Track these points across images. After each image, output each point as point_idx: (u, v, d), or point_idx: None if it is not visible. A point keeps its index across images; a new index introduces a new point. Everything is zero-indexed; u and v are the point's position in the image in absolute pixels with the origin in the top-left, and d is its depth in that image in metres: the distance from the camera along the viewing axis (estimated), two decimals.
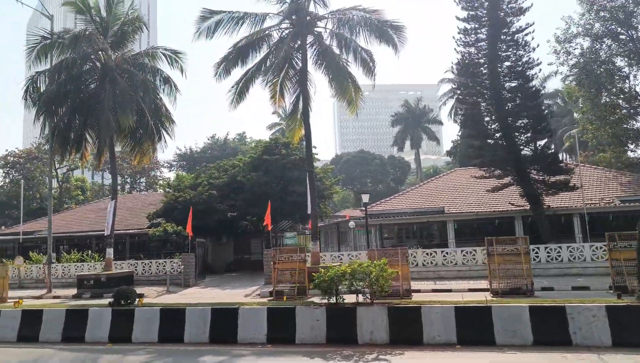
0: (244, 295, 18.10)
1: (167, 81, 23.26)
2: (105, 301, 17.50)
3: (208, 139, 73.81)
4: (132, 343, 10.12)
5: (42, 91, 22.77)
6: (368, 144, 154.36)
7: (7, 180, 56.78)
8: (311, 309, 9.82)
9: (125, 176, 57.91)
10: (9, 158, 53.25)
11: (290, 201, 29.75)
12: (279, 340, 9.79)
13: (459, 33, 24.37)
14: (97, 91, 23.89)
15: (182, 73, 24.11)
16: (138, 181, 58.29)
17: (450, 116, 60.41)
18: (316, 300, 11.96)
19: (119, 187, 62.39)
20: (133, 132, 24.25)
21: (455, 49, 24.64)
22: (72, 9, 23.28)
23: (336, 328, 9.53)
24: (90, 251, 27.11)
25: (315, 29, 20.05)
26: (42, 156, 56.17)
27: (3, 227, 43.90)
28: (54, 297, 20.64)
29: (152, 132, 23.65)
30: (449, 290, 15.79)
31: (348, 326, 9.47)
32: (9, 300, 19.06)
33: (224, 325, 9.70)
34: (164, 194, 32.26)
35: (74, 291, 22.07)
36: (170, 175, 64.70)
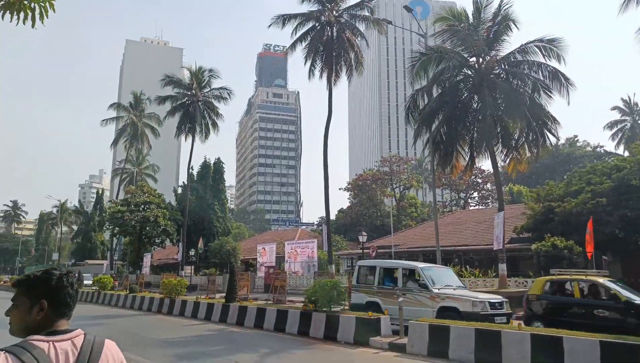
0: None
1: (554, 75, 20.47)
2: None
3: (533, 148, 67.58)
4: None
5: (421, 107, 23.49)
6: None
7: (354, 201, 64.85)
8: None
9: (459, 191, 57.99)
10: (358, 181, 60.55)
11: None
12: None
13: None
14: (469, 100, 23.23)
15: (559, 61, 21.03)
16: (471, 196, 57.43)
17: None
18: None
19: (453, 202, 63.35)
20: (507, 138, 22.55)
21: None
22: (442, 23, 23.35)
23: None
24: (464, 266, 26.42)
25: None
26: (383, 177, 61.90)
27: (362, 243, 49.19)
28: None
29: (536, 135, 21.20)
30: None
31: None
32: None
33: None
34: (526, 207, 29.29)
35: None
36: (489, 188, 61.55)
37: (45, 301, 1.75)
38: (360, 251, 41.61)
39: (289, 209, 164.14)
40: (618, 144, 65.93)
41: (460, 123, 22.94)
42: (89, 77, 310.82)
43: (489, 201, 54.99)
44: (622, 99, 66.88)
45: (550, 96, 20.34)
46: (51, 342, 1.68)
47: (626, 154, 63.22)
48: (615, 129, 66.75)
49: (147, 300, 22.03)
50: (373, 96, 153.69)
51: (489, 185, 54.96)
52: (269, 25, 30.45)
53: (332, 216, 78.40)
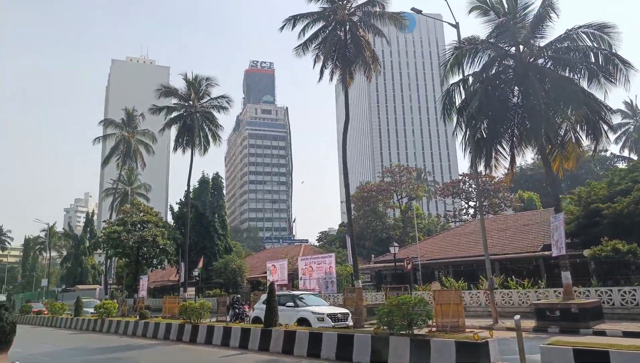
0: None
1: (608, 60, 18.55)
2: (601, 339, 13.49)
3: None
4: None
5: (456, 103, 21.46)
6: None
7: (358, 213, 62.40)
8: None
9: (469, 200, 56.08)
10: (363, 193, 58.27)
11: None
12: None
13: None
14: (510, 93, 21.27)
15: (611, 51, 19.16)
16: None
17: None
18: None
19: (463, 211, 61.21)
20: (552, 133, 20.50)
21: None
22: (478, 12, 21.40)
23: None
24: (510, 276, 24.17)
25: None
26: (388, 188, 59.77)
27: (373, 256, 46.84)
28: (508, 329, 17.87)
29: (592, 127, 19.22)
30: None
31: None
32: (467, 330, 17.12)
33: None
34: (566, 212, 27.24)
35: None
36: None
37: None
38: (375, 265, 39.36)
39: (282, 226, 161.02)
40: (623, 147, 64.98)
41: (503, 118, 20.90)
42: (71, 101, 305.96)
43: (501, 208, 53.03)
44: (624, 102, 66.12)
45: (613, 82, 18.30)
46: None
47: (633, 156, 62.26)
48: (619, 133, 65.66)
49: (162, 326, 19.23)
50: (363, 108, 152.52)
51: (504, 193, 53.19)
52: (281, 28, 28.33)
53: (334, 231, 76.00)
